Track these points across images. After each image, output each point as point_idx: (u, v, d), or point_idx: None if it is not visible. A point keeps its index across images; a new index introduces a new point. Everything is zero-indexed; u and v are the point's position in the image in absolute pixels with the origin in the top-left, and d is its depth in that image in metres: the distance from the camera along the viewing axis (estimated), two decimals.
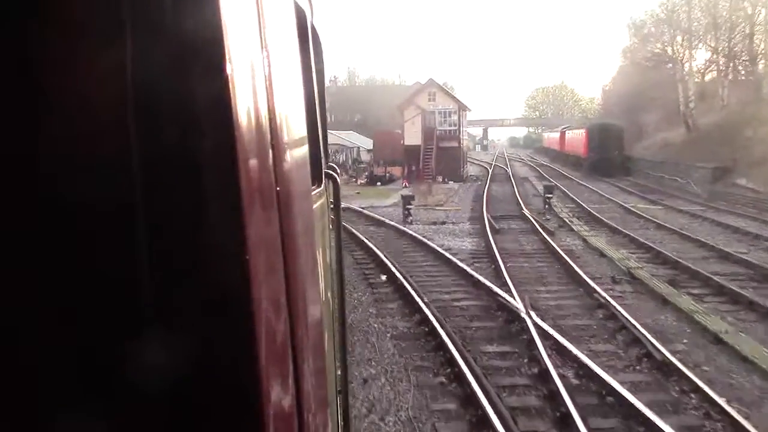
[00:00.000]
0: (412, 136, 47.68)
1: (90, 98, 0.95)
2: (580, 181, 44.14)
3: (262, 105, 1.14)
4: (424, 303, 12.66)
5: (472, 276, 15.14)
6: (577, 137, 58.59)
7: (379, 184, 44.75)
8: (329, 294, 2.54)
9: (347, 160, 59.19)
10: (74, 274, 0.96)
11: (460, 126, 49.62)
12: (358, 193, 38.51)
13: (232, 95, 0.97)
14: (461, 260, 17.16)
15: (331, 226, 2.79)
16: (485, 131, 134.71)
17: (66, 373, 0.97)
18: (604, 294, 13.21)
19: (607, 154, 50.10)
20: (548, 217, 26.43)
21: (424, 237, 21.07)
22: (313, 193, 2.01)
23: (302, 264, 1.37)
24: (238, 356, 1.01)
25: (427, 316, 11.81)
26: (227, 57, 0.97)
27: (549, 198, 28.83)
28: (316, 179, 2.22)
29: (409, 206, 25.97)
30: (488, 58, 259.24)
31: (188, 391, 0.98)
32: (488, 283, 14.20)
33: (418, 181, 43.50)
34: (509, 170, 57.95)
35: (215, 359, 0.99)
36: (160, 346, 0.95)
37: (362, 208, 29.46)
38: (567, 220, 24.73)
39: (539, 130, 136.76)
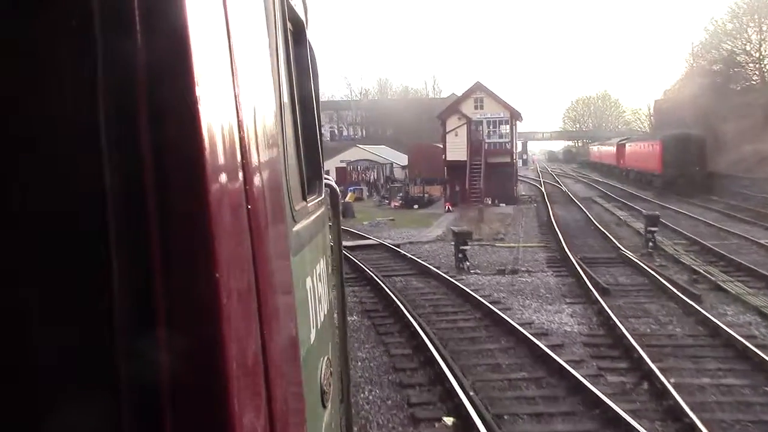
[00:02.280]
0: (456, 150, 40.09)
1: (61, 117, 0.98)
2: (661, 203, 35.92)
3: (231, 126, 1.15)
4: None
5: (620, 420, 7.66)
6: (644, 150, 50.22)
7: (416, 206, 37.50)
8: (331, 302, 2.56)
9: (379, 178, 51.93)
10: (40, 286, 0.98)
11: (513, 138, 41.89)
12: (392, 219, 31.18)
13: (200, 116, 1.00)
14: (575, 366, 9.69)
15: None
16: (524, 145, 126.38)
17: (33, 377, 0.99)
18: None
19: (687, 169, 41.95)
20: (661, 261, 18.73)
21: (495, 303, 13.59)
22: (313, 202, 2.16)
23: (276, 281, 1.36)
24: (207, 370, 1.01)
25: None
26: (195, 80, 1.00)
27: (653, 232, 21.08)
28: (316, 190, 2.34)
29: (464, 247, 18.56)
30: (522, 70, 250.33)
31: (154, 403, 0.98)
32: None
33: (463, 204, 36.18)
34: (564, 188, 50.35)
35: (184, 373, 0.99)
36: (127, 357, 0.96)
37: (398, 246, 22.04)
38: (698, 269, 16.88)
39: (579, 143, 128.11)
